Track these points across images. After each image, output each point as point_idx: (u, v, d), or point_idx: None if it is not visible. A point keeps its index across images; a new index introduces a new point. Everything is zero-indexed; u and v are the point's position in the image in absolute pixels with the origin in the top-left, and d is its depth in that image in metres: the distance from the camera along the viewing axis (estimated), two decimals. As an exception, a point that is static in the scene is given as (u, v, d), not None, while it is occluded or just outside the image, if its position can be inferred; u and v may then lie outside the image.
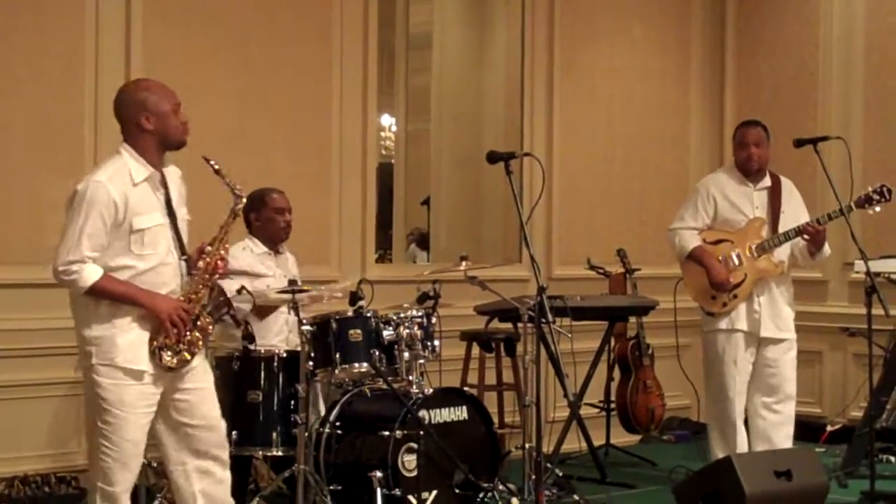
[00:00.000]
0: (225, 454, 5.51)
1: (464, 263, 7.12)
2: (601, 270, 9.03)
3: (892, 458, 8.50)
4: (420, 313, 6.90)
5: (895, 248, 8.33)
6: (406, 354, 6.77)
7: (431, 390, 6.73)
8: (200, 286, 5.28)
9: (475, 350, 8.36)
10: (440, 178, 9.70)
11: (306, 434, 6.41)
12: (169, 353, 5.22)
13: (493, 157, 6.08)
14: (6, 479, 6.79)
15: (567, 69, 9.55)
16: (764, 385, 7.47)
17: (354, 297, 6.89)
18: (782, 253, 7.43)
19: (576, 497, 7.29)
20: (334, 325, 6.63)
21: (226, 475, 5.53)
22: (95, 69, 7.28)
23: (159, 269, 5.27)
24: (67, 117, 7.20)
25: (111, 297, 5.19)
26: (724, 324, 7.41)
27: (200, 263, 5.32)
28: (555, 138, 9.47)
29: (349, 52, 8.32)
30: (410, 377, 6.74)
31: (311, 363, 6.49)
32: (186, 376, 5.38)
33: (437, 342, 6.96)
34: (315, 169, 8.17)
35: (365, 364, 6.68)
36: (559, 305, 7.11)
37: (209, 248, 5.35)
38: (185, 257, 5.34)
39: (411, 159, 9.61)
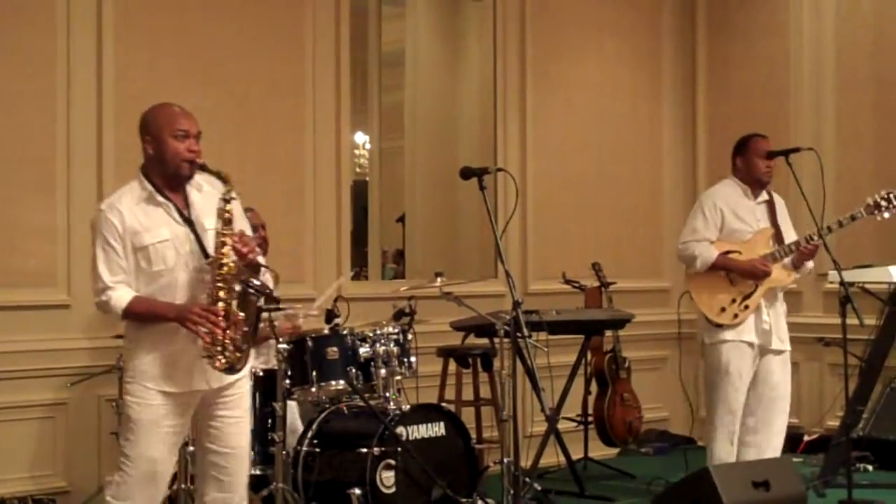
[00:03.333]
0: (243, 488, 5.52)
1: (439, 280, 7.12)
2: (576, 284, 9.04)
3: (869, 467, 8.53)
4: (396, 330, 6.92)
5: (869, 257, 8.35)
6: (383, 371, 6.78)
7: (409, 407, 6.74)
8: (218, 282, 5.23)
9: (452, 366, 8.35)
10: (415, 194, 9.70)
11: (284, 452, 6.40)
12: (219, 356, 5.18)
13: (466, 173, 6.08)
14: (-17, 502, 6.79)
15: (539, 84, 9.58)
16: (763, 397, 7.44)
17: (330, 315, 6.90)
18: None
19: (554, 511, 7.31)
20: (310, 344, 6.64)
21: None
22: (67, 90, 7.28)
23: (173, 282, 5.30)
24: (39, 139, 7.20)
25: (141, 318, 5.28)
26: (730, 335, 7.33)
27: (210, 261, 5.30)
28: (528, 153, 9.49)
29: (322, 70, 8.32)
30: (387, 394, 6.75)
31: (287, 382, 6.49)
32: (222, 403, 5.41)
33: (413, 358, 6.97)
34: (289, 187, 8.17)
35: (342, 382, 6.69)
36: (535, 320, 7.11)
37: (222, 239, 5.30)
38: (208, 260, 5.31)
39: (386, 177, 9.60)
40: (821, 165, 7.58)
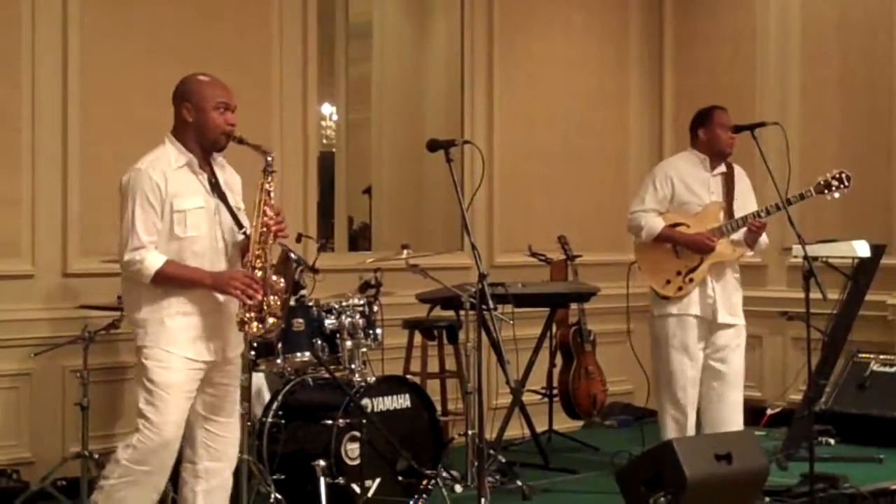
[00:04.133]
0: (233, 456, 5.61)
1: (405, 252, 7.12)
2: (542, 257, 9.04)
3: (831, 441, 8.57)
4: (362, 302, 6.92)
5: (833, 232, 8.37)
6: (348, 343, 6.79)
7: (374, 379, 6.74)
8: (256, 251, 5.30)
9: (417, 338, 8.36)
10: (381, 167, 9.69)
11: (249, 423, 6.37)
12: (256, 322, 5.25)
13: (433, 146, 6.06)
14: (-53, 473, 6.76)
15: (506, 57, 9.55)
16: (714, 372, 7.47)
17: (296, 286, 6.87)
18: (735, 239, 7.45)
19: (519, 483, 7.32)
20: (277, 315, 6.61)
21: (227, 481, 5.63)
22: (32, 64, 7.23)
23: (200, 251, 5.35)
24: (3, 112, 7.14)
25: (176, 282, 5.30)
26: (675, 308, 7.39)
27: (249, 232, 5.38)
28: (495, 126, 9.47)
29: (288, 41, 8.29)
30: (353, 366, 6.75)
31: (252, 353, 6.46)
32: (222, 371, 5.48)
33: (379, 331, 6.97)
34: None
35: (307, 353, 6.70)
36: (501, 293, 7.13)
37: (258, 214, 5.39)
38: (242, 231, 5.44)
39: (352, 148, 9.59)
40: (786, 140, 7.56)
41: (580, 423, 9.38)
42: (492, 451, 7.43)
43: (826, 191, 7.26)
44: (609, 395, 9.43)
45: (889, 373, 8.76)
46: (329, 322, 6.76)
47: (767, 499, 6.99)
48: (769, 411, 9.31)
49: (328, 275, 7.55)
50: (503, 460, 7.59)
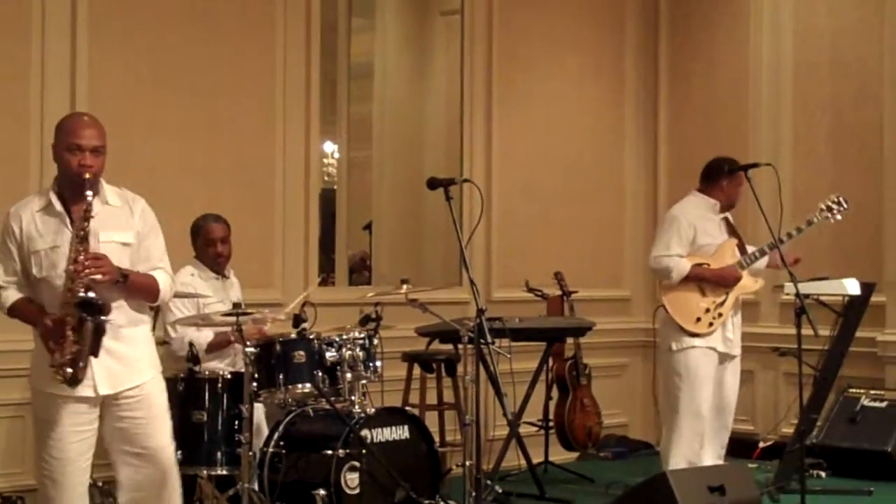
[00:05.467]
0: (167, 486, 5.42)
1: (405, 286, 7.11)
2: (539, 293, 9.04)
3: (822, 474, 8.55)
4: (362, 335, 6.90)
5: (824, 270, 8.38)
6: (349, 375, 6.76)
7: (373, 410, 6.71)
8: (67, 298, 5.08)
9: (416, 371, 8.34)
10: (382, 203, 9.71)
11: (250, 453, 6.37)
12: (58, 370, 5.04)
13: (433, 184, 6.08)
14: (-47, 499, 6.74)
15: (505, 97, 9.58)
16: (718, 397, 7.56)
17: (298, 320, 6.88)
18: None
19: (515, 514, 7.31)
20: (278, 348, 6.61)
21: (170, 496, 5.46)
22: (41, 99, 7.22)
23: (57, 290, 5.17)
24: (13, 145, 7.14)
25: (21, 319, 5.33)
26: (699, 341, 7.44)
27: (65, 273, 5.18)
28: (493, 164, 9.49)
29: (292, 81, 8.30)
30: (353, 397, 6.73)
31: (255, 384, 6.46)
32: (125, 405, 5.31)
33: (378, 363, 6.94)
34: (259, 195, 8.14)
35: (308, 385, 6.67)
36: (498, 327, 7.13)
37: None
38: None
39: (353, 185, 9.61)
40: (778, 180, 7.63)
41: (576, 455, 9.36)
42: (489, 482, 7.41)
43: (829, 214, 7.56)
44: (604, 428, 9.42)
45: (879, 408, 8.75)
46: (330, 354, 6.75)
47: (759, 530, 6.98)
48: (761, 444, 9.29)
49: (329, 308, 7.56)
50: (500, 490, 7.57)
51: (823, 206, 7.57)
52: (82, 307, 5.00)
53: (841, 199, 7.56)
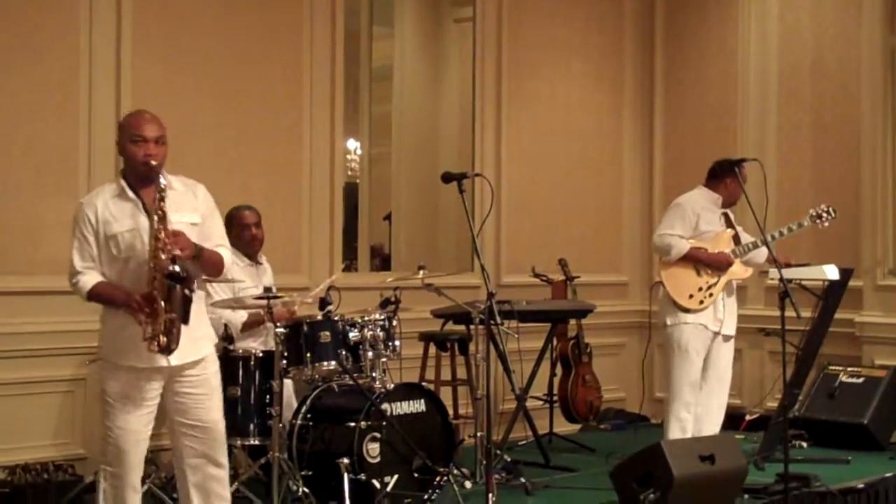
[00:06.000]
0: (218, 453, 5.45)
1: (421, 272, 7.09)
2: (544, 278, 9.02)
3: (804, 444, 8.52)
4: (382, 317, 6.88)
5: (806, 257, 8.36)
6: (370, 354, 6.75)
7: (393, 385, 6.70)
8: (150, 273, 5.10)
9: (432, 349, 8.32)
10: (400, 195, 9.68)
11: (280, 425, 6.36)
12: (150, 342, 5.07)
13: (447, 178, 6.05)
14: (9, 467, 6.73)
15: (513, 99, 9.55)
16: (710, 377, 7.67)
17: (323, 303, 6.88)
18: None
19: (522, 480, 7.28)
20: (305, 328, 6.61)
21: (219, 472, 5.47)
22: (89, 102, 7.24)
23: (139, 268, 5.19)
24: (63, 144, 7.15)
25: (102, 301, 5.27)
26: (690, 318, 7.55)
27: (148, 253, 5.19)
28: (503, 160, 9.46)
29: (318, 83, 8.28)
30: (374, 374, 6.72)
31: (284, 362, 6.44)
32: (186, 381, 5.33)
33: (397, 342, 6.93)
34: (288, 188, 8.13)
35: (333, 362, 6.66)
36: (507, 309, 7.10)
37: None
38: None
39: (374, 179, 9.59)
40: (764, 175, 7.61)
41: (578, 427, 9.33)
42: (498, 451, 7.40)
43: (818, 220, 7.70)
44: (604, 402, 9.41)
45: (856, 383, 8.71)
46: (353, 334, 6.73)
47: (746, 496, 6.97)
48: (748, 417, 9.25)
49: (352, 292, 7.55)
50: (508, 459, 7.55)
51: (814, 213, 7.69)
52: (171, 278, 5.03)
53: (830, 208, 7.68)
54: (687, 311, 7.54)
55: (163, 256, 5.04)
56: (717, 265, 7.56)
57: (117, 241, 5.23)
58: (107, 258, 5.26)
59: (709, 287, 7.56)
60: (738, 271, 7.66)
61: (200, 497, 5.43)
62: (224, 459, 5.50)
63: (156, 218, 5.10)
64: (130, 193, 5.28)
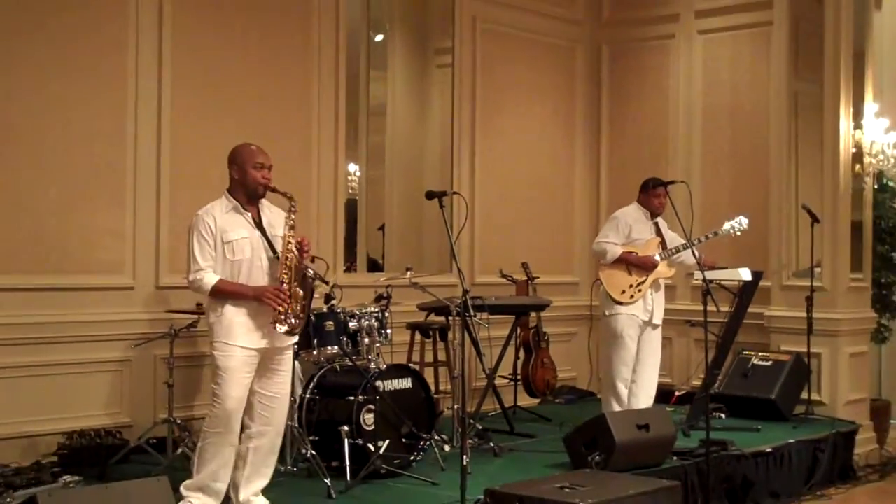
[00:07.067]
0: (281, 423, 5.64)
1: (409, 273, 7.11)
2: (510, 278, 9.02)
3: (722, 416, 8.53)
4: (377, 310, 6.88)
5: (724, 261, 8.32)
6: (366, 340, 6.75)
7: (385, 366, 6.70)
8: (284, 270, 5.36)
9: (417, 336, 8.32)
10: (392, 210, 9.65)
11: (291, 398, 6.35)
12: (282, 323, 5.32)
13: (430, 195, 6.03)
14: (68, 432, 6.71)
15: (485, 131, 9.55)
16: (643, 360, 7.72)
17: (328, 298, 6.87)
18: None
19: (492, 444, 7.29)
20: (313, 318, 6.58)
21: (277, 440, 5.64)
22: (135, 128, 7.21)
23: (249, 268, 5.42)
24: (113, 164, 7.12)
25: (227, 296, 5.38)
26: (624, 309, 7.62)
27: (279, 256, 5.42)
28: (476, 181, 9.46)
29: (325, 117, 8.27)
30: (369, 356, 6.72)
31: (295, 346, 6.43)
32: (277, 360, 5.52)
33: (389, 331, 6.94)
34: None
35: (335, 347, 6.65)
36: (479, 304, 7.12)
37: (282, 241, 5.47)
38: (275, 255, 5.46)
39: (370, 196, 9.54)
40: (690, 194, 7.71)
41: (537, 401, 9.33)
42: (471, 421, 7.41)
43: (731, 230, 7.79)
44: (559, 380, 9.42)
45: (765, 365, 8.72)
46: (352, 324, 6.73)
47: (675, 458, 6.99)
48: (677, 393, 9.27)
49: (352, 289, 7.56)
50: (480, 427, 7.55)
51: (728, 225, 7.77)
52: (306, 275, 5.51)
53: (743, 221, 7.77)
54: (621, 303, 7.59)
55: (303, 256, 5.43)
56: (644, 266, 7.62)
57: (233, 246, 5.39)
58: (220, 260, 5.40)
59: (638, 284, 7.61)
60: (663, 271, 7.71)
61: (254, 456, 5.56)
62: (281, 430, 5.69)
63: (290, 227, 5.43)
64: (242, 209, 5.47)
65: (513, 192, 9.77)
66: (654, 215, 7.80)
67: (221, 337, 5.38)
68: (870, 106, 9.18)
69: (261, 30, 7.86)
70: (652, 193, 7.74)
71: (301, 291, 5.44)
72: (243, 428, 5.54)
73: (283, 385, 5.61)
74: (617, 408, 7.55)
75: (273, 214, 5.62)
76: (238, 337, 5.37)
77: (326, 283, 6.46)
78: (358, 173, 9.36)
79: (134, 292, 7.18)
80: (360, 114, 9.32)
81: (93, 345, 6.98)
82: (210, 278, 5.36)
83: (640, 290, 7.61)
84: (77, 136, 6.94)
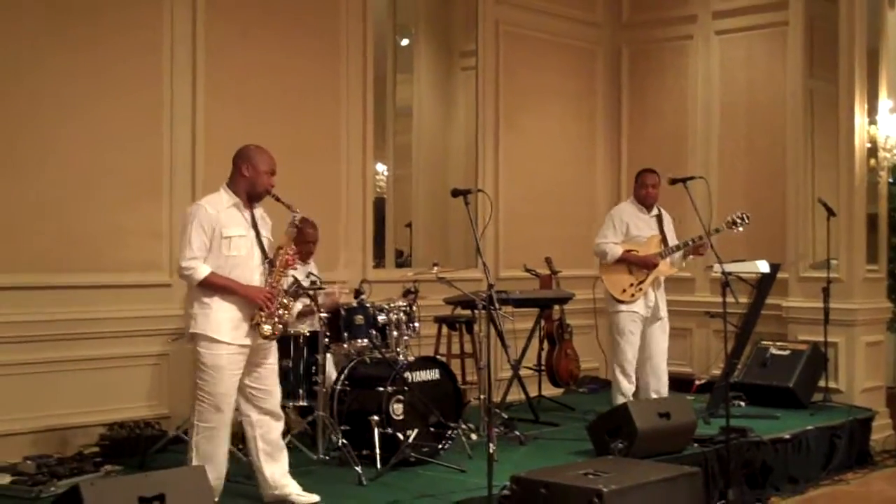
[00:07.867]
0: (278, 410, 5.57)
1: (435, 268, 7.08)
2: (534, 272, 9.00)
3: (742, 404, 8.48)
4: (405, 304, 6.89)
5: (742, 254, 8.32)
6: (395, 333, 6.76)
7: (413, 358, 6.69)
8: (278, 277, 5.34)
9: (444, 329, 8.32)
10: (418, 207, 9.67)
11: (323, 390, 6.36)
12: (266, 325, 5.27)
13: (455, 193, 6.03)
14: (109, 423, 6.74)
15: (508, 130, 9.54)
16: (650, 354, 7.66)
17: (358, 293, 6.87)
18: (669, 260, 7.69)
19: (517, 433, 7.28)
20: (343, 312, 6.62)
21: (279, 425, 5.56)
22: (171, 134, 7.24)
23: (243, 266, 5.32)
24: (148, 168, 7.15)
25: (216, 288, 5.27)
26: (625, 307, 7.57)
27: (277, 262, 5.37)
28: (500, 179, 9.46)
29: (353, 119, 8.29)
30: (398, 349, 6.72)
31: (326, 339, 6.45)
32: (263, 353, 5.42)
33: (417, 324, 6.94)
34: (329, 202, 8.12)
35: (365, 340, 6.67)
36: (504, 297, 7.09)
37: (280, 250, 5.41)
38: (267, 259, 5.40)
39: (398, 195, 9.56)
40: (708, 189, 7.67)
41: (561, 391, 9.30)
42: (497, 410, 7.39)
43: (733, 226, 7.57)
44: (582, 371, 9.37)
45: (783, 355, 8.67)
46: (381, 317, 6.74)
47: (696, 444, 6.95)
48: (697, 382, 9.24)
49: (380, 285, 7.55)
50: (505, 416, 7.54)
51: (730, 220, 7.57)
52: (294, 280, 5.51)
53: (745, 215, 7.56)
54: (622, 302, 7.55)
55: (288, 268, 5.40)
56: (645, 266, 7.54)
57: (230, 242, 5.30)
58: (215, 253, 5.29)
59: (639, 283, 7.55)
60: (664, 270, 7.61)
61: (264, 444, 5.49)
62: (281, 415, 5.59)
63: (293, 228, 5.43)
64: (242, 207, 5.39)
65: (536, 189, 9.75)
66: (648, 208, 7.69)
67: (208, 332, 5.27)
68: (884, 102, 9.13)
69: (291, 35, 7.87)
70: (639, 184, 7.68)
71: (287, 301, 5.40)
72: (244, 416, 5.50)
73: (272, 376, 5.52)
74: (621, 398, 7.54)
75: (262, 218, 5.53)
76: (225, 333, 5.27)
77: (312, 299, 6.42)
78: (385, 173, 9.38)
79: (171, 289, 7.16)
80: (387, 115, 9.34)
81: (133, 339, 7.01)
82: (203, 268, 5.25)
83: (640, 289, 7.55)
84: (112, 144, 6.95)
